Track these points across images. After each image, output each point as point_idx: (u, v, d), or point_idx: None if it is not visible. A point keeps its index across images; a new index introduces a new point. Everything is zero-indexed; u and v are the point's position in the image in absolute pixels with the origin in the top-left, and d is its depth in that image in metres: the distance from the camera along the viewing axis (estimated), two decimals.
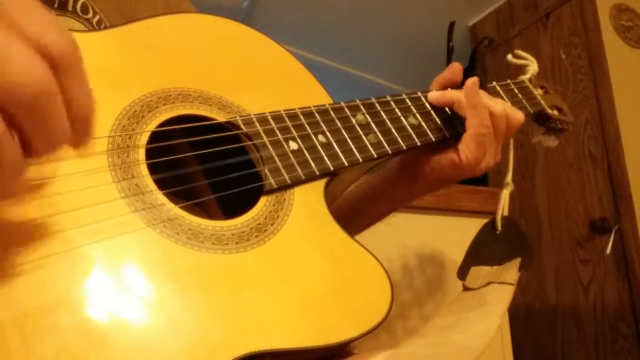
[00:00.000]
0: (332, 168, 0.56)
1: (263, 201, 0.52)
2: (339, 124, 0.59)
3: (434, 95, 0.66)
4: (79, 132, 0.35)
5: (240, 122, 0.54)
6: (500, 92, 0.73)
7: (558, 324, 1.79)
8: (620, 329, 1.62)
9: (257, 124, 0.54)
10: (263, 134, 0.54)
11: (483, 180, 1.73)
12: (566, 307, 1.77)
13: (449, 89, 0.67)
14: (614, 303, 1.65)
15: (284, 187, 0.53)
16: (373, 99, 0.63)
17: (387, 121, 0.62)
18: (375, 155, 0.59)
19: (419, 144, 0.62)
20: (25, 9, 0.31)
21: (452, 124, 0.65)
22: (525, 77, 0.78)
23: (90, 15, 0.61)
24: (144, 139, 0.49)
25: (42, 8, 0.32)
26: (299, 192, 0.54)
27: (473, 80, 0.63)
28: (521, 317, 1.88)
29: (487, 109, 0.62)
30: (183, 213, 0.47)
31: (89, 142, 0.36)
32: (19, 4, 0.31)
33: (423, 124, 0.64)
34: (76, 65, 0.33)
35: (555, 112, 0.78)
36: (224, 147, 0.53)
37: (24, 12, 0.31)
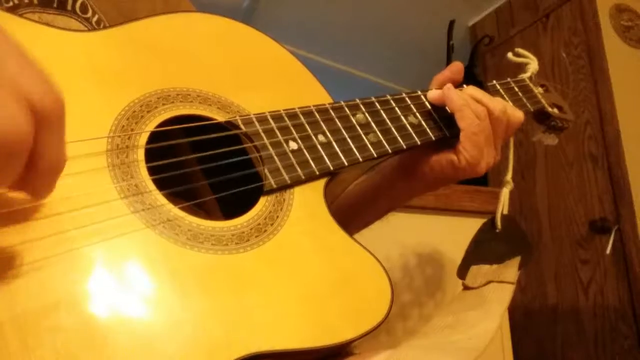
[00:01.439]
0: (332, 168, 0.56)
1: (263, 201, 0.51)
2: (338, 124, 0.59)
3: (434, 94, 0.66)
4: (39, 185, 0.36)
5: (239, 122, 0.54)
6: (501, 90, 0.73)
7: (558, 324, 1.79)
8: (620, 329, 1.62)
9: (256, 123, 0.54)
10: (263, 134, 0.54)
11: (483, 180, 1.73)
12: (566, 307, 1.77)
13: None
14: (614, 303, 1.65)
15: (283, 187, 0.53)
16: (373, 98, 0.63)
17: (387, 120, 0.62)
18: (375, 155, 0.59)
19: (419, 143, 0.62)
20: (18, 62, 0.33)
21: (452, 123, 0.65)
22: (525, 76, 0.78)
23: (89, 14, 0.60)
24: (143, 139, 0.49)
25: (34, 62, 0.34)
26: (298, 192, 0.54)
27: (447, 86, 0.65)
28: (521, 317, 1.88)
29: (470, 109, 0.62)
30: (182, 214, 0.47)
31: (45, 197, 0.37)
32: (13, 57, 0.33)
33: (423, 123, 0.64)
34: (57, 123, 0.34)
35: (556, 111, 0.78)
36: (224, 148, 0.53)
37: (17, 65, 0.33)
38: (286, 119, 0.56)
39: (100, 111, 0.48)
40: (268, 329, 0.43)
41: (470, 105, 0.62)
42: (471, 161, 0.62)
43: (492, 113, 0.63)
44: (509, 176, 0.73)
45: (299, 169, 0.54)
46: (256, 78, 0.59)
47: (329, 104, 0.60)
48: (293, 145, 0.55)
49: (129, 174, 0.46)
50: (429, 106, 0.66)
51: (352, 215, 0.72)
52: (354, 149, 0.58)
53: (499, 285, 0.58)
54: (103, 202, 0.43)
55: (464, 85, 0.68)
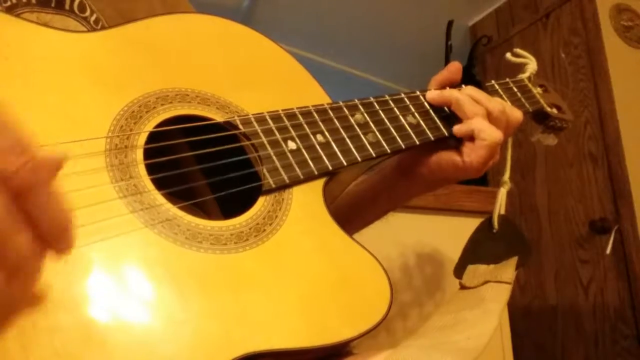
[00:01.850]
0: (330, 167, 0.56)
1: (261, 201, 0.51)
2: (337, 124, 0.59)
3: (433, 94, 0.66)
4: (56, 243, 0.33)
5: (238, 122, 0.54)
6: (499, 90, 0.73)
7: (558, 324, 1.79)
8: (620, 329, 1.62)
9: (255, 123, 0.54)
10: (261, 134, 0.54)
11: (482, 180, 1.73)
12: (566, 307, 1.77)
13: (448, 88, 0.67)
14: (614, 303, 1.65)
15: (282, 187, 0.53)
16: (372, 98, 0.63)
17: (386, 120, 0.62)
18: (374, 155, 0.59)
19: (417, 143, 0.62)
20: None
21: (451, 123, 0.65)
22: (524, 76, 0.78)
23: (87, 14, 0.61)
24: (142, 139, 0.49)
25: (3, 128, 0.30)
26: (297, 191, 0.54)
27: (456, 97, 0.64)
28: (521, 317, 1.87)
29: (484, 118, 0.62)
30: (181, 213, 0.47)
31: (70, 249, 0.34)
32: None
33: (422, 123, 0.64)
34: (38, 185, 0.31)
35: (555, 111, 0.78)
36: (223, 147, 0.53)
37: None
38: (285, 119, 0.56)
39: (99, 112, 0.48)
40: (267, 329, 0.43)
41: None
42: (479, 166, 0.62)
43: (491, 113, 0.63)
44: (506, 176, 0.73)
45: (297, 169, 0.54)
46: (255, 78, 0.60)
47: (327, 104, 0.60)
48: (292, 145, 0.55)
49: (128, 173, 0.46)
50: (428, 106, 0.66)
51: (351, 215, 0.72)
52: (353, 149, 0.58)
53: (496, 285, 0.58)
54: (102, 202, 0.43)
55: (463, 86, 0.69)
